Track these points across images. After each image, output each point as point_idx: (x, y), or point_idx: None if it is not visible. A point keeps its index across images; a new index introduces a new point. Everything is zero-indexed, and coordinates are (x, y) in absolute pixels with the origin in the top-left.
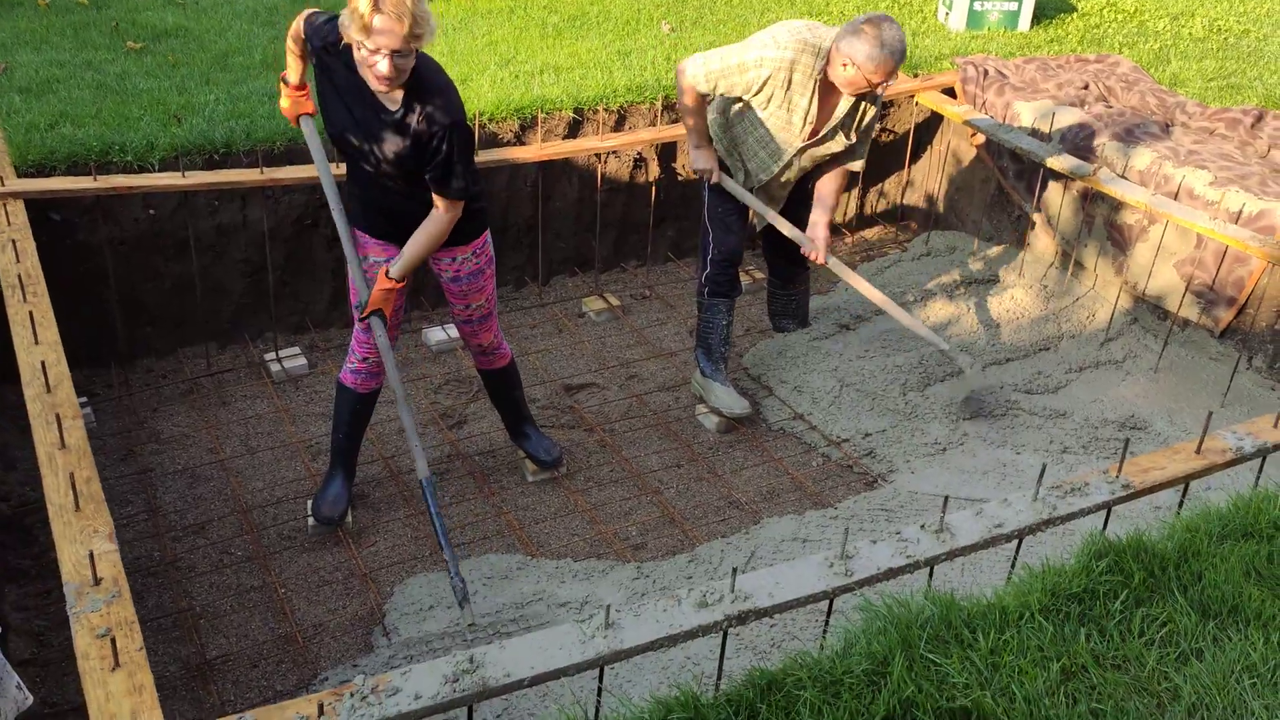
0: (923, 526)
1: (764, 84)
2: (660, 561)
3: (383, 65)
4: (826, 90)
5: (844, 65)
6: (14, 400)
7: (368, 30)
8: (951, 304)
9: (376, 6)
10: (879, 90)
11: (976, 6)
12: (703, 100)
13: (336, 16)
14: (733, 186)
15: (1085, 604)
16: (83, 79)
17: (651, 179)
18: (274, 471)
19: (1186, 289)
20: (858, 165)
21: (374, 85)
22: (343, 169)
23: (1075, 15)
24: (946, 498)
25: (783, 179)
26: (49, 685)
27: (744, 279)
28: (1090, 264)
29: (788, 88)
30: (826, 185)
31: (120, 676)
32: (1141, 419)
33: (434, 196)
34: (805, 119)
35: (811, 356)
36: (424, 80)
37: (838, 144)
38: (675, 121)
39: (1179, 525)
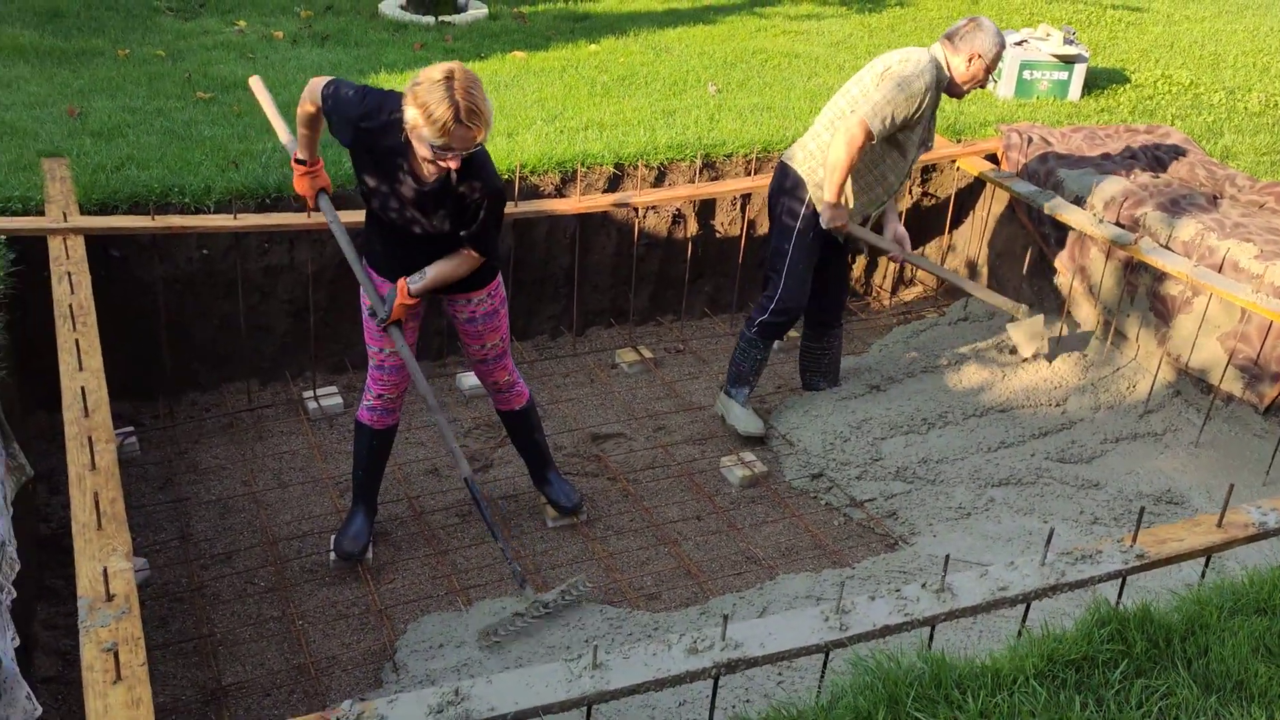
0: (924, 585)
1: (925, 106)
2: (672, 612)
3: (455, 163)
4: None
5: (970, 60)
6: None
7: (447, 135)
8: (986, 370)
9: (458, 118)
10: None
11: (1026, 76)
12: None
13: (364, 89)
14: (860, 231)
15: (1084, 671)
16: (152, 125)
17: (689, 235)
18: (303, 506)
19: (1229, 363)
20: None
21: (432, 172)
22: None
23: (1128, 86)
24: (948, 556)
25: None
26: (70, 703)
27: None
28: (1132, 334)
29: (928, 104)
30: (891, 204)
31: (120, 690)
32: (1179, 493)
33: (465, 247)
34: (925, 129)
35: (839, 415)
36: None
37: (922, 148)
38: (715, 179)
39: (1189, 597)
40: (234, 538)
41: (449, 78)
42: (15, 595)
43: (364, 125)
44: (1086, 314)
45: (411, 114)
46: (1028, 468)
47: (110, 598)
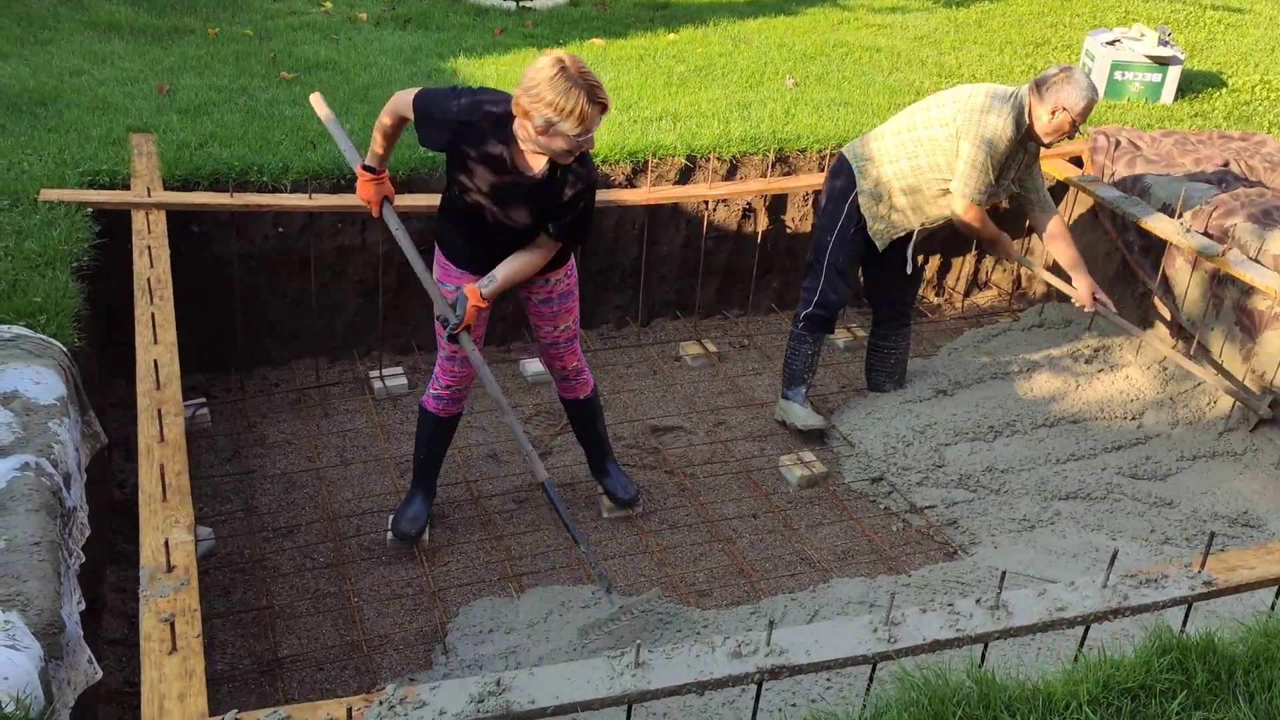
0: (978, 601)
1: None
2: (723, 610)
3: (592, 145)
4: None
5: (1053, 113)
6: None
7: (586, 121)
8: (1059, 379)
9: (593, 100)
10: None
11: (1118, 76)
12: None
13: (454, 90)
14: (1034, 266)
15: (1140, 701)
16: (236, 104)
17: (759, 229)
18: (363, 484)
19: None
20: (1052, 209)
21: (555, 158)
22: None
23: (1224, 91)
24: (1004, 573)
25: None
26: (134, 665)
27: (845, 335)
28: (1215, 348)
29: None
30: (1060, 244)
31: (175, 660)
32: (1256, 517)
33: (543, 239)
34: (1012, 170)
35: (903, 419)
36: None
37: (1001, 192)
38: (788, 174)
39: (1255, 629)
40: (296, 512)
41: (562, 68)
42: (84, 560)
43: (465, 124)
44: (1168, 326)
45: (543, 118)
46: (1098, 482)
47: (170, 569)
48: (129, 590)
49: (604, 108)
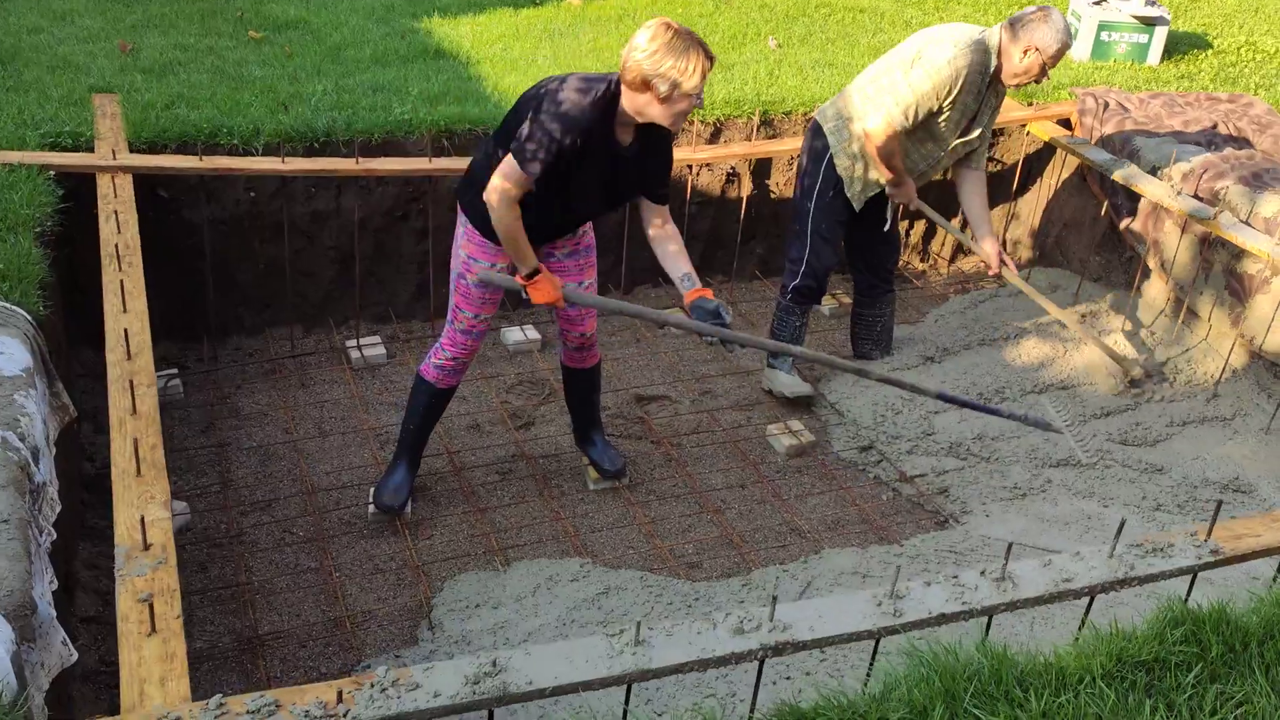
0: (983, 573)
1: (958, 92)
2: (714, 582)
3: (700, 104)
4: (988, 87)
5: (1025, 52)
6: None
7: (704, 77)
8: (1048, 345)
9: (708, 54)
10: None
11: (1103, 37)
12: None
13: (540, 118)
14: (934, 214)
15: (1154, 674)
16: (203, 64)
17: (743, 194)
18: (342, 456)
19: None
20: (982, 166)
21: (671, 125)
22: None
23: (1210, 52)
24: (1011, 544)
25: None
26: (109, 643)
27: (830, 302)
28: (1205, 313)
29: (963, 90)
30: (976, 202)
31: (155, 642)
32: (1246, 482)
33: (660, 211)
34: (965, 116)
35: (890, 386)
36: None
37: (976, 139)
38: (771, 137)
39: (1268, 599)
40: (274, 486)
41: (674, 30)
42: (55, 537)
43: (576, 139)
44: (1157, 290)
45: (669, 82)
46: (1088, 449)
47: (147, 547)
48: (102, 566)
49: (714, 61)
